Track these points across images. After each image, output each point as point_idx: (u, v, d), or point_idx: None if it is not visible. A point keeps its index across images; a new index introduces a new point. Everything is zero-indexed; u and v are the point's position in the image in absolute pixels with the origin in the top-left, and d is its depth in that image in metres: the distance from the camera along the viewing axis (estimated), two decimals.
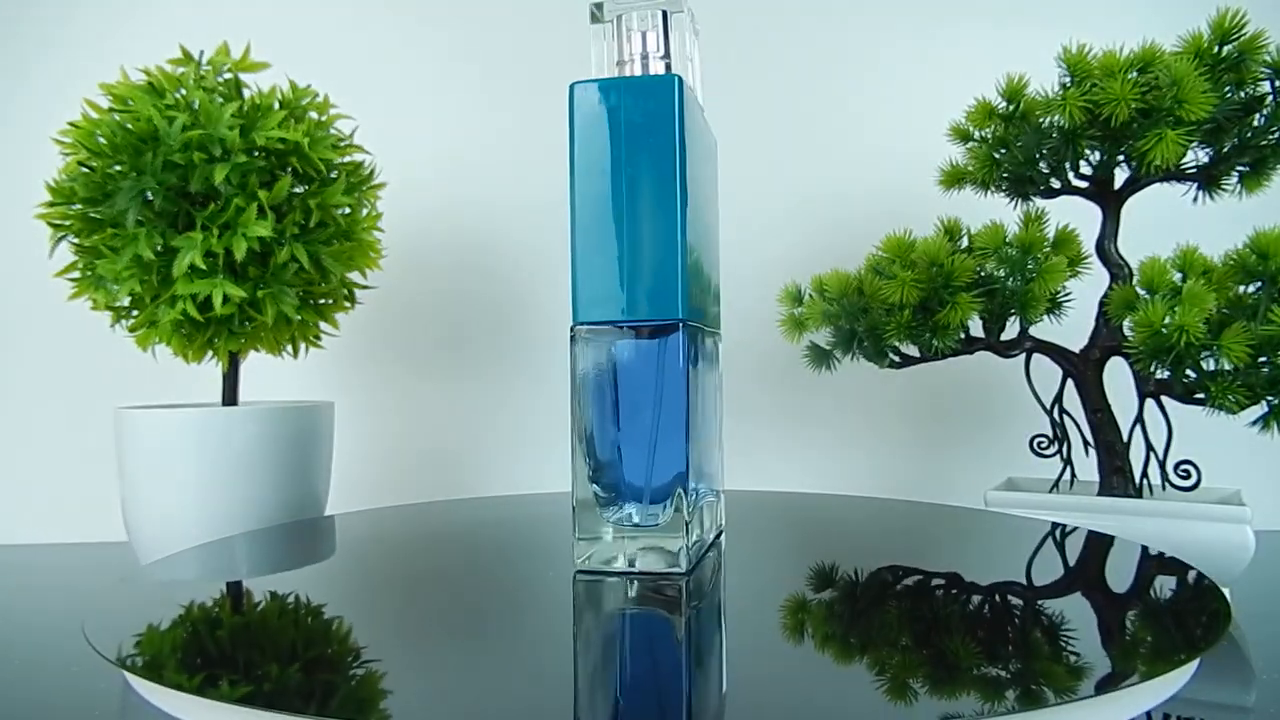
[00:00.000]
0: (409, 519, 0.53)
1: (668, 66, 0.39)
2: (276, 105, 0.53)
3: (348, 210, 0.55)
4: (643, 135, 0.36)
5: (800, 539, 0.47)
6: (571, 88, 0.37)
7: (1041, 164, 0.55)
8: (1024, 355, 0.58)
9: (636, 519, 0.36)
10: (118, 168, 0.49)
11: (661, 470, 0.36)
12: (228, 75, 0.53)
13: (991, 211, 0.60)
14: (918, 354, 0.58)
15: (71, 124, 0.49)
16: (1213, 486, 0.55)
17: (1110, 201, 0.56)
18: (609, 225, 0.36)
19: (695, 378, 0.37)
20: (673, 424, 0.35)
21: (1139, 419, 0.54)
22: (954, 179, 0.60)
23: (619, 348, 0.36)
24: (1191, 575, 0.37)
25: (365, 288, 0.59)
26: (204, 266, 0.48)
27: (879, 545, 0.45)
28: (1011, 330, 0.58)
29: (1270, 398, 0.47)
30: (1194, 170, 0.54)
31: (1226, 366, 0.47)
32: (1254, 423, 0.48)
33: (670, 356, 0.35)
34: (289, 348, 0.57)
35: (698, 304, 0.38)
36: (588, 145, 0.36)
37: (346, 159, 0.56)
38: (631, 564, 0.36)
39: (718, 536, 0.43)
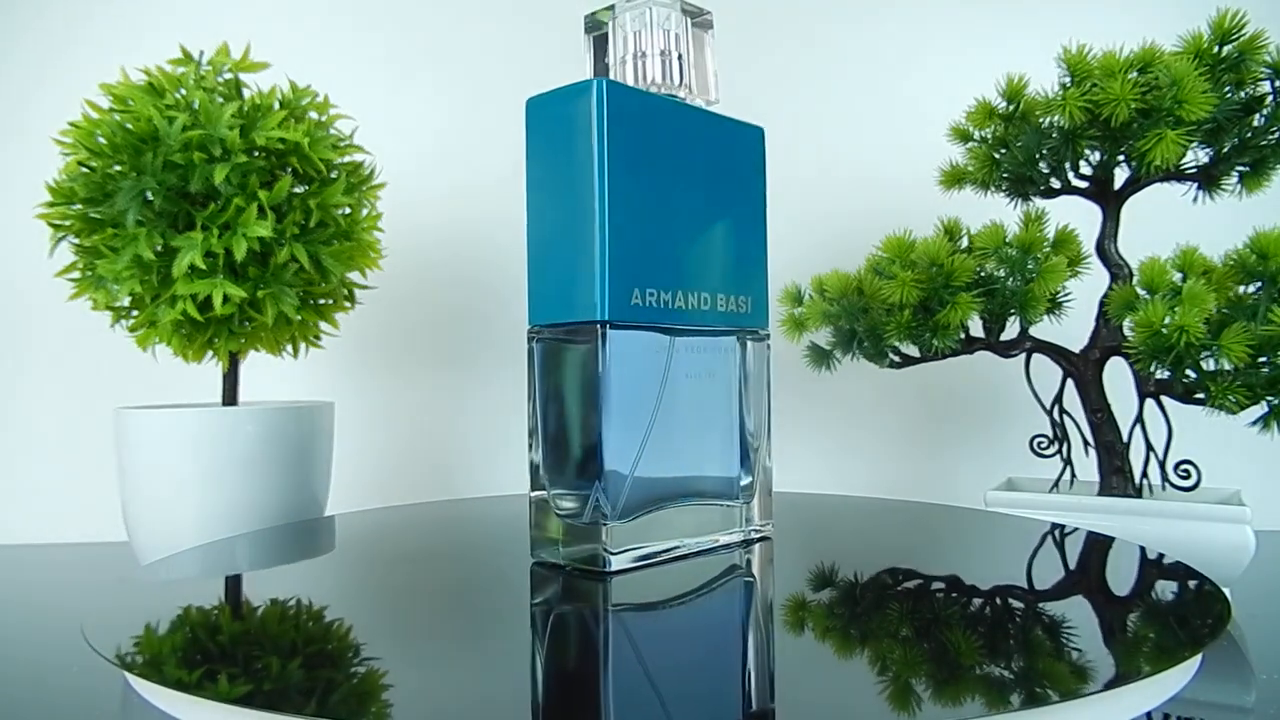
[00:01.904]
0: (409, 519, 0.53)
1: (663, 64, 0.40)
2: (276, 105, 0.53)
3: (348, 210, 0.55)
4: (570, 140, 0.36)
5: (798, 539, 0.47)
6: (527, 104, 0.38)
7: (1041, 164, 0.55)
8: (1024, 355, 0.58)
9: (584, 518, 0.37)
10: (118, 168, 0.49)
11: (606, 470, 0.36)
12: (228, 75, 0.53)
13: (991, 211, 0.60)
14: (918, 354, 0.58)
15: (71, 124, 0.49)
16: (1213, 486, 0.55)
17: (1110, 201, 0.56)
18: (548, 231, 0.37)
19: (636, 378, 0.37)
20: (602, 424, 0.36)
21: (1139, 419, 0.54)
22: (954, 179, 0.60)
23: (561, 349, 0.37)
24: (1191, 575, 0.37)
25: (365, 288, 0.59)
26: (204, 266, 0.48)
27: (879, 545, 0.45)
28: (1011, 330, 0.58)
29: (1270, 398, 0.47)
30: (1194, 170, 0.54)
31: (1226, 366, 0.47)
32: (1254, 423, 0.48)
33: (592, 358, 0.36)
34: (289, 348, 0.57)
35: (661, 304, 0.37)
36: (536, 156, 0.38)
37: (346, 159, 0.56)
38: (568, 560, 0.37)
39: (750, 541, 0.42)
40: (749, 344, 0.42)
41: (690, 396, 0.39)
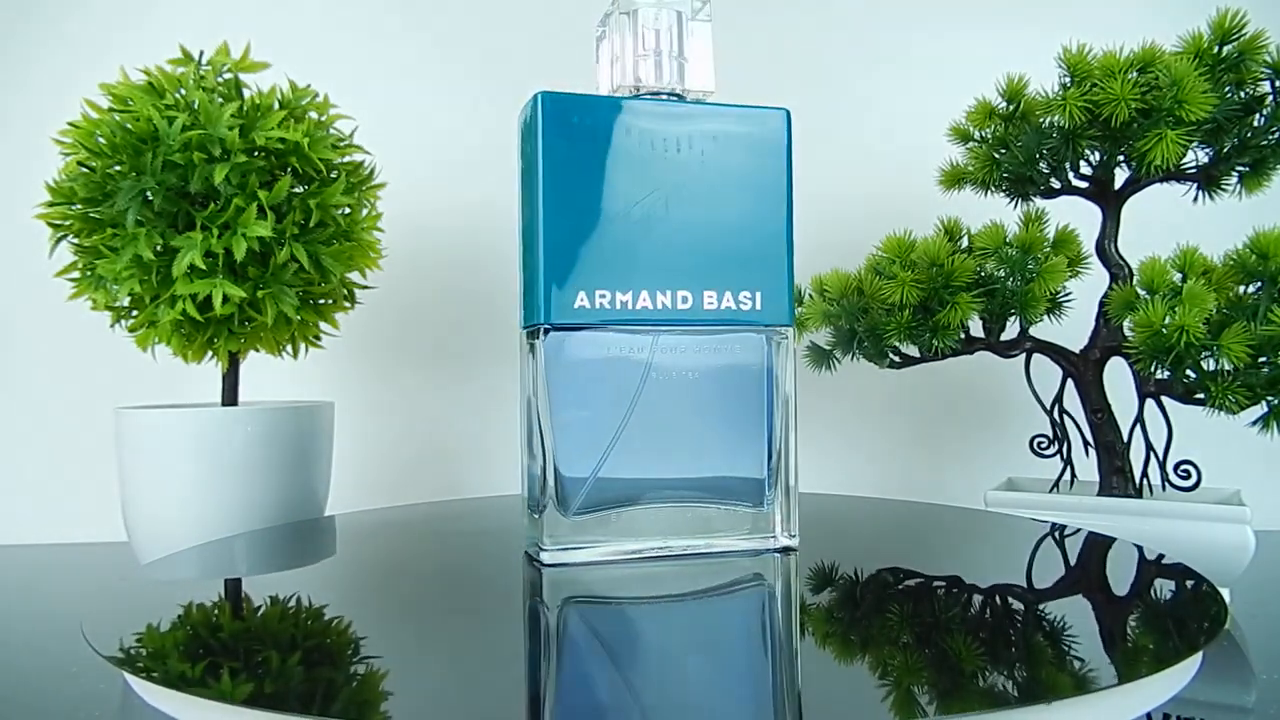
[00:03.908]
0: (409, 519, 0.53)
1: (641, 64, 0.40)
2: (276, 105, 0.53)
3: (347, 210, 0.55)
4: (527, 152, 0.38)
5: (799, 539, 0.47)
6: (519, 118, 0.40)
7: (1041, 164, 0.55)
8: (1024, 355, 0.58)
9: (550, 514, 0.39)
10: (118, 168, 0.49)
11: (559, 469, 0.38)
12: (227, 75, 0.53)
13: (991, 211, 0.60)
14: (918, 354, 0.58)
15: (71, 124, 0.49)
16: (1213, 486, 0.55)
17: (1110, 201, 0.56)
18: (522, 239, 0.40)
19: (591, 379, 0.38)
20: (543, 423, 0.38)
21: (1139, 419, 0.54)
22: (954, 179, 0.60)
23: (532, 350, 0.39)
24: (1189, 576, 0.37)
25: (365, 288, 0.59)
26: (204, 266, 0.48)
27: (879, 545, 0.45)
28: (1011, 330, 0.58)
29: (1270, 398, 0.47)
30: (1194, 170, 0.54)
31: (1226, 366, 0.47)
32: (1254, 423, 0.48)
33: (539, 359, 0.38)
34: (289, 348, 0.57)
35: (619, 306, 0.38)
36: (521, 166, 0.40)
37: (346, 159, 0.56)
38: (536, 554, 0.39)
39: (768, 551, 0.40)
40: (760, 343, 0.40)
41: (682, 397, 0.39)
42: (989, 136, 0.57)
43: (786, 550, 0.40)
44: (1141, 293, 0.51)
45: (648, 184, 0.38)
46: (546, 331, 0.37)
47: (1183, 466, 0.53)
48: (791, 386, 0.41)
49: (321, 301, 0.57)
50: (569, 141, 0.37)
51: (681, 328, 0.39)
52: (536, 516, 0.38)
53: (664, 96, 0.40)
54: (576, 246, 0.37)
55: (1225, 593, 0.49)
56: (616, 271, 0.38)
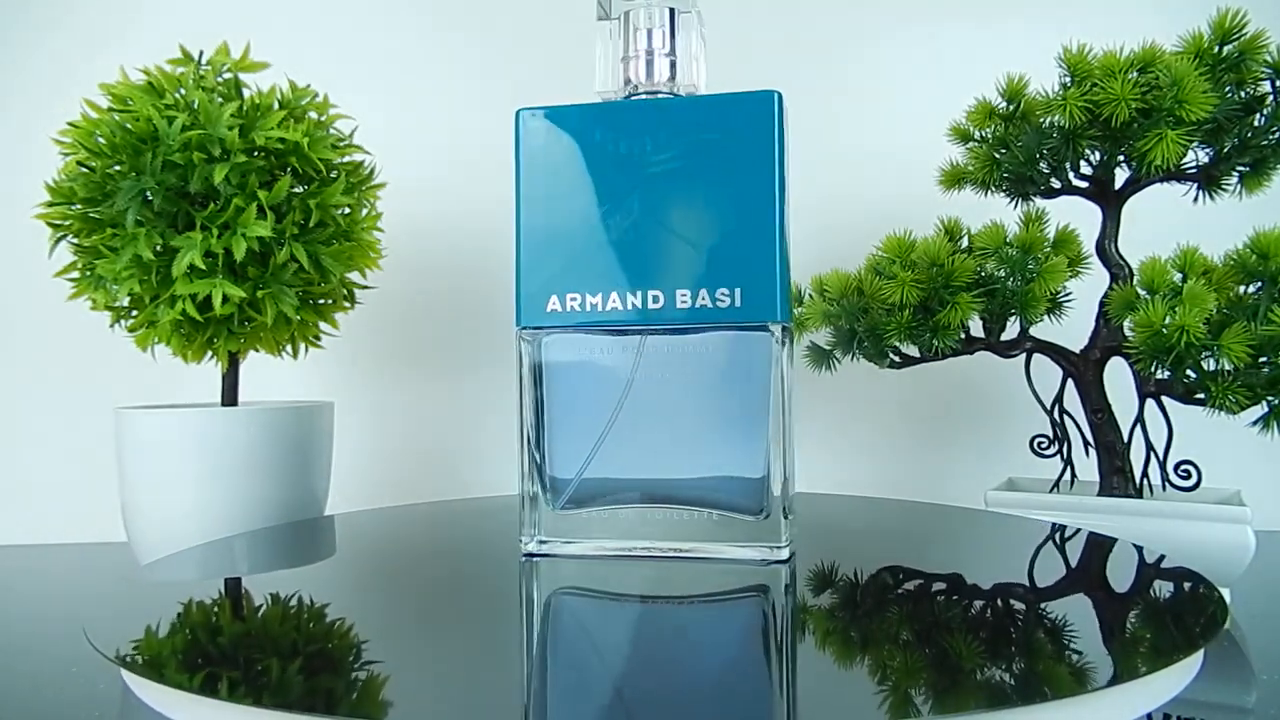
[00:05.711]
0: (409, 519, 0.53)
1: (627, 66, 0.41)
2: (276, 105, 0.53)
3: (347, 210, 0.55)
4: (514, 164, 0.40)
5: (797, 539, 0.47)
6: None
7: (1042, 164, 0.55)
8: (1024, 355, 0.58)
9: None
10: (117, 168, 0.49)
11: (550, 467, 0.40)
12: (227, 75, 0.53)
13: (991, 211, 0.60)
14: (918, 354, 0.58)
15: (71, 124, 0.49)
16: (1213, 486, 0.55)
17: (1110, 201, 0.56)
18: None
19: (570, 380, 0.40)
20: (524, 423, 0.40)
21: (1139, 419, 0.54)
22: (954, 179, 0.60)
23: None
24: (1189, 577, 0.37)
25: (365, 288, 0.59)
26: (203, 266, 0.48)
27: (878, 545, 0.45)
28: (1011, 330, 0.57)
29: (1270, 398, 0.47)
30: (1194, 170, 0.54)
31: (1227, 367, 0.47)
32: (1254, 423, 0.48)
33: (518, 360, 0.40)
34: (289, 348, 0.57)
35: (589, 308, 0.39)
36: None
37: (346, 159, 0.56)
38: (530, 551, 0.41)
39: (768, 559, 0.38)
40: (748, 341, 0.38)
41: (672, 398, 0.39)
42: (989, 136, 0.57)
43: (780, 561, 0.38)
44: (1142, 293, 0.51)
45: (630, 187, 0.39)
46: (526, 333, 0.39)
47: (1183, 466, 0.53)
48: (785, 386, 0.38)
49: (321, 301, 0.57)
50: (546, 154, 0.39)
51: (665, 327, 0.39)
52: (522, 511, 0.40)
53: (661, 95, 0.40)
54: (551, 252, 0.39)
55: (1225, 593, 0.48)
56: (588, 275, 0.39)
